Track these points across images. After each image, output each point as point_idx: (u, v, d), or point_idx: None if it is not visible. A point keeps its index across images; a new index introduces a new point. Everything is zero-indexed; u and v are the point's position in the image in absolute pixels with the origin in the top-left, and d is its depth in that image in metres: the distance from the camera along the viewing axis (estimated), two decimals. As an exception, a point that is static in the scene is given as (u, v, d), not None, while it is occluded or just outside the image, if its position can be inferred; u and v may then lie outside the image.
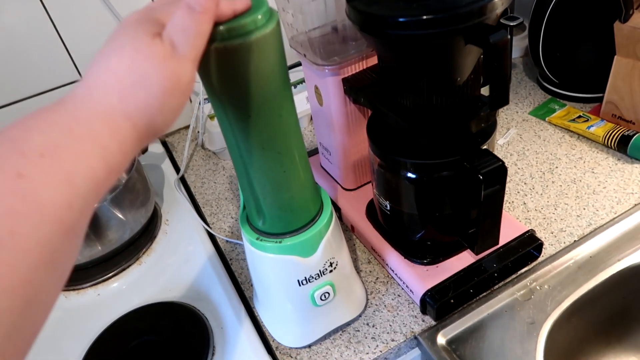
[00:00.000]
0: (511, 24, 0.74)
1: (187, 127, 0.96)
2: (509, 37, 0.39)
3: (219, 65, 0.36)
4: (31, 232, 0.23)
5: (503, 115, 0.87)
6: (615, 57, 0.74)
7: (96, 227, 0.66)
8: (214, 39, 0.34)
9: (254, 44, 0.35)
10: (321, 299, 0.52)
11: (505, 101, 0.44)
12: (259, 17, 0.35)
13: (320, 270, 0.50)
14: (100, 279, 0.69)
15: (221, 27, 0.34)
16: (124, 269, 0.70)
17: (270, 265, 0.50)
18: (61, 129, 0.26)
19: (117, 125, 0.28)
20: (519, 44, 1.01)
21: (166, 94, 0.30)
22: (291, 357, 0.56)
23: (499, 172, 0.46)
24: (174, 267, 0.69)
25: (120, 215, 0.68)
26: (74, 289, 0.69)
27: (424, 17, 0.39)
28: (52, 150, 0.25)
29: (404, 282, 0.59)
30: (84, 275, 0.69)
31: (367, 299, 0.60)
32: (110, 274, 0.69)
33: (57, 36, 0.78)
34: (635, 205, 0.67)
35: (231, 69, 0.37)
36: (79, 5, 0.78)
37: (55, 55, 0.80)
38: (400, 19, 0.39)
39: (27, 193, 0.23)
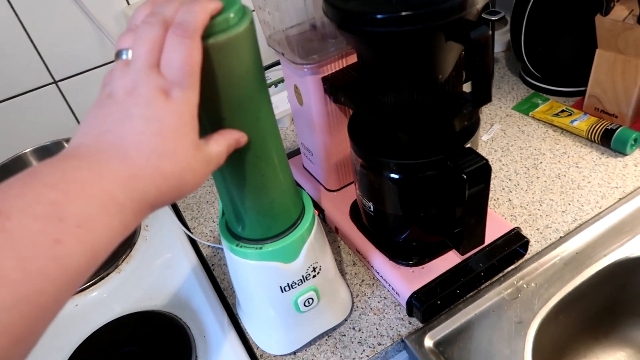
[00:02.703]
0: (492, 18, 0.73)
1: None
2: (489, 32, 0.38)
3: None
4: (52, 296, 0.25)
5: (486, 111, 0.87)
6: (597, 50, 0.74)
7: (72, 235, 0.64)
8: None
9: (225, 43, 0.34)
10: (305, 305, 0.51)
11: (487, 98, 0.43)
12: (231, 15, 0.34)
13: (303, 276, 0.49)
14: (78, 289, 0.67)
15: None
16: (102, 278, 0.68)
17: (252, 272, 0.49)
18: (94, 200, 0.27)
19: (140, 203, 0.29)
20: (501, 39, 1.00)
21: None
22: (276, 364, 0.55)
23: (483, 171, 0.45)
24: (154, 275, 0.68)
25: (97, 223, 0.66)
26: (50, 300, 0.66)
27: (403, 13, 0.37)
28: (87, 222, 0.26)
29: (389, 284, 0.58)
30: (60, 285, 0.67)
31: (353, 302, 0.59)
32: (89, 283, 0.67)
33: (28, 39, 0.76)
34: (620, 199, 0.67)
35: (203, 69, 0.35)
36: (49, 7, 0.75)
37: (26, 58, 0.77)
38: (379, 16, 0.38)
39: (60, 258, 0.25)
